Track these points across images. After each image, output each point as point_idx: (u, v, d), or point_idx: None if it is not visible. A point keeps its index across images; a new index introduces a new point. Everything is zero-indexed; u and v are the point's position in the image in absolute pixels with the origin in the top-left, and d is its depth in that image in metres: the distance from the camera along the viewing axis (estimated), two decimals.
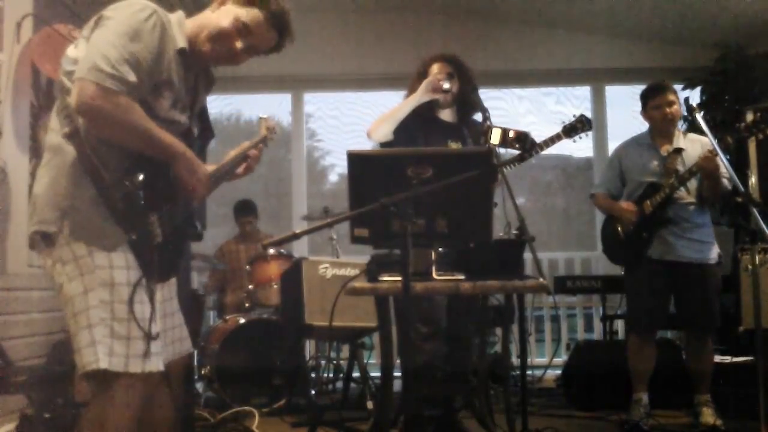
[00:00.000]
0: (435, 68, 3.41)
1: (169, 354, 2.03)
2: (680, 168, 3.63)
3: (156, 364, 1.88)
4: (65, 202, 1.84)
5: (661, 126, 3.72)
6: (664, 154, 3.71)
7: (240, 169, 2.37)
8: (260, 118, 2.59)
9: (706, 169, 3.44)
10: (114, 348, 1.80)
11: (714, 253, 3.65)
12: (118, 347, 1.80)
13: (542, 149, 3.43)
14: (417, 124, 3.31)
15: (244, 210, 5.34)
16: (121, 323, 1.82)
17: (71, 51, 1.90)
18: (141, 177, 1.84)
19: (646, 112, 3.78)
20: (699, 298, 3.59)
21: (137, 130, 1.82)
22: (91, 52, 1.79)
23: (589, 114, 6.11)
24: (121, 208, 1.81)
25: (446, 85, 3.27)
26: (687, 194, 3.63)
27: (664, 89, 3.72)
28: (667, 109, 3.67)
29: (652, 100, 3.72)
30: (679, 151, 3.69)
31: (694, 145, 3.71)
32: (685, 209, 3.62)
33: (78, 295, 1.82)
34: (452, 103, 3.40)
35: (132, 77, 1.79)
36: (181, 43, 1.95)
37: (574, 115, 3.56)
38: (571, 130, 3.50)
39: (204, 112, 2.17)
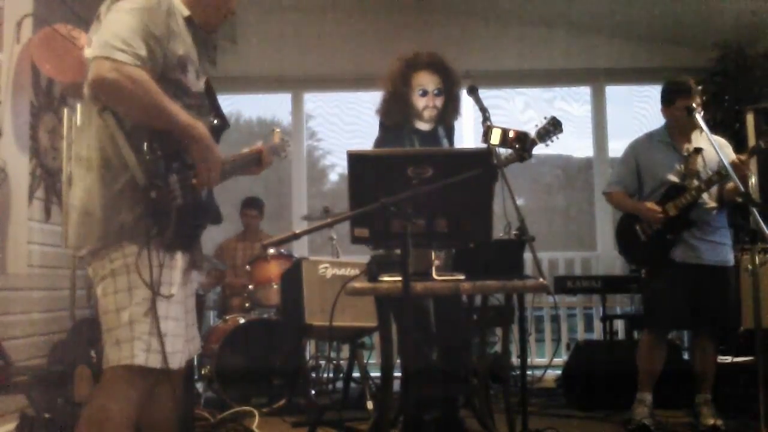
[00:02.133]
0: (423, 78, 3.11)
1: (177, 360, 2.04)
2: (701, 169, 3.59)
3: (180, 361, 1.94)
4: (111, 213, 1.86)
5: (684, 125, 3.61)
6: (684, 153, 3.65)
7: (248, 170, 2.42)
8: (274, 130, 2.65)
9: (740, 174, 3.35)
10: (151, 345, 1.86)
11: (731, 255, 3.67)
12: (156, 344, 1.86)
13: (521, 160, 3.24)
14: (396, 138, 3.14)
15: (250, 203, 5.41)
16: (161, 321, 1.87)
17: (89, 52, 1.92)
18: (160, 142, 1.85)
19: (669, 109, 3.66)
20: (721, 299, 3.59)
21: (153, 105, 1.84)
22: (103, 33, 1.83)
23: (589, 114, 6.22)
24: (142, 172, 1.82)
25: None
26: (708, 198, 3.61)
27: (694, 90, 3.60)
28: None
29: (682, 100, 3.58)
30: (699, 150, 3.62)
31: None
32: (708, 213, 3.60)
33: (123, 291, 1.86)
34: (435, 119, 3.17)
35: (143, 51, 1.83)
36: (185, 11, 2.00)
37: (545, 117, 3.42)
38: (545, 134, 3.39)
39: (216, 102, 2.18)
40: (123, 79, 1.78)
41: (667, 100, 3.70)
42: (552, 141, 3.40)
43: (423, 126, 3.20)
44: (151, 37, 1.86)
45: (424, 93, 3.12)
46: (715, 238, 3.61)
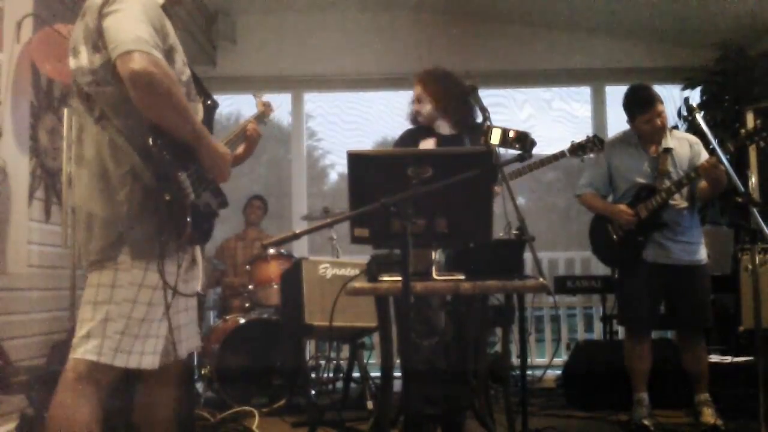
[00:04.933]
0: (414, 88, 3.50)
1: (183, 350, 2.04)
2: (671, 169, 3.61)
3: (153, 362, 1.92)
4: (115, 221, 1.86)
5: (652, 136, 3.66)
6: (653, 155, 3.67)
7: (240, 149, 2.46)
8: (254, 95, 2.65)
9: (712, 177, 3.39)
10: (121, 344, 1.85)
11: (703, 253, 3.66)
12: (125, 344, 1.85)
13: (543, 164, 3.78)
14: (416, 139, 3.35)
15: (256, 197, 5.48)
16: (136, 323, 1.86)
17: (75, 62, 1.90)
18: (162, 140, 1.85)
19: (635, 123, 3.67)
20: (693, 298, 3.60)
21: (182, 105, 1.84)
22: (124, 29, 1.79)
23: (589, 114, 6.22)
24: (152, 173, 1.81)
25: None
26: (680, 198, 3.62)
27: (653, 102, 3.59)
28: (658, 121, 3.59)
29: (642, 116, 3.60)
30: (668, 150, 3.64)
31: (682, 144, 3.68)
32: (678, 213, 3.61)
33: (105, 286, 1.86)
34: (435, 119, 3.42)
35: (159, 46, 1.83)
36: None
37: (587, 136, 3.76)
38: (579, 149, 3.80)
39: (200, 83, 2.18)
40: (163, 76, 1.77)
41: (630, 115, 3.69)
42: (583, 159, 3.88)
43: (444, 130, 3.42)
44: (157, 33, 1.85)
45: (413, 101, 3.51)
46: (686, 237, 3.61)
